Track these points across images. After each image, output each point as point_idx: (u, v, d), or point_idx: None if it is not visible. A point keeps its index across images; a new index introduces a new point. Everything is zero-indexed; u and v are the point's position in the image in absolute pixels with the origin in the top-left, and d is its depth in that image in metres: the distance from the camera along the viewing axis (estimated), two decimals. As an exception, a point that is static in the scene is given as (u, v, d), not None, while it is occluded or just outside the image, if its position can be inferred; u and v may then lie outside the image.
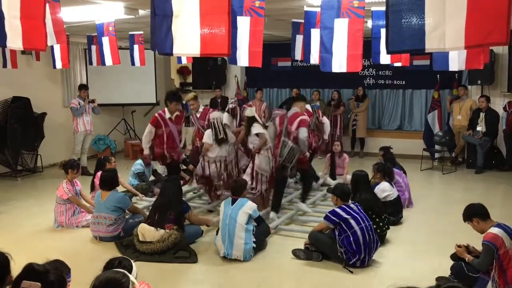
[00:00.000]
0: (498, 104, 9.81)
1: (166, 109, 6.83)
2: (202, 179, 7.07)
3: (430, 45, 3.12)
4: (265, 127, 6.73)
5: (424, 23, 3.11)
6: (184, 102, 10.26)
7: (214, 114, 6.95)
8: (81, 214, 6.37)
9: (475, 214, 4.23)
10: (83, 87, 9.65)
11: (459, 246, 4.48)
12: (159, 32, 3.79)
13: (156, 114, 6.83)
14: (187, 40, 3.73)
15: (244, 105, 7.96)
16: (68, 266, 3.04)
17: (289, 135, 6.30)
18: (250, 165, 6.62)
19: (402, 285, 1.62)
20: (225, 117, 7.02)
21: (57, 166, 6.81)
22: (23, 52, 9.09)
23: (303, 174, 7.22)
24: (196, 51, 3.75)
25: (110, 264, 3.06)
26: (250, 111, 6.67)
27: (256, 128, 6.53)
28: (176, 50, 3.78)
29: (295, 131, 6.27)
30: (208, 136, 6.85)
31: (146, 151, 6.86)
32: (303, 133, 6.25)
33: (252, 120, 6.61)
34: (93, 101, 9.57)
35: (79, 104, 9.32)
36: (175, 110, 6.83)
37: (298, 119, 6.31)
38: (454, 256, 4.55)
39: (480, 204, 4.31)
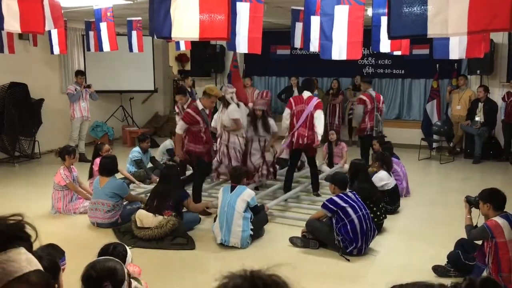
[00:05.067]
0: (497, 95, 9.77)
1: None
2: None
3: (433, 30, 3.07)
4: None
5: (427, 8, 3.06)
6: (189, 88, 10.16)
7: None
8: (78, 201, 6.36)
9: (494, 201, 4.12)
10: (80, 73, 9.61)
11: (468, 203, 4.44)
12: (157, 16, 3.74)
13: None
14: (186, 23, 3.67)
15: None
16: (62, 250, 3.03)
17: (378, 110, 8.10)
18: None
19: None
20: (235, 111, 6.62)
21: (54, 152, 6.76)
22: (20, 37, 9.01)
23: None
24: (195, 35, 3.69)
25: (105, 250, 3.04)
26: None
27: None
28: (175, 34, 3.72)
29: (382, 106, 8.24)
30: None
31: None
32: (384, 108, 8.59)
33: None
34: (89, 86, 9.51)
35: (75, 90, 9.27)
36: None
37: (381, 98, 8.36)
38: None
39: (505, 196, 4.16)
